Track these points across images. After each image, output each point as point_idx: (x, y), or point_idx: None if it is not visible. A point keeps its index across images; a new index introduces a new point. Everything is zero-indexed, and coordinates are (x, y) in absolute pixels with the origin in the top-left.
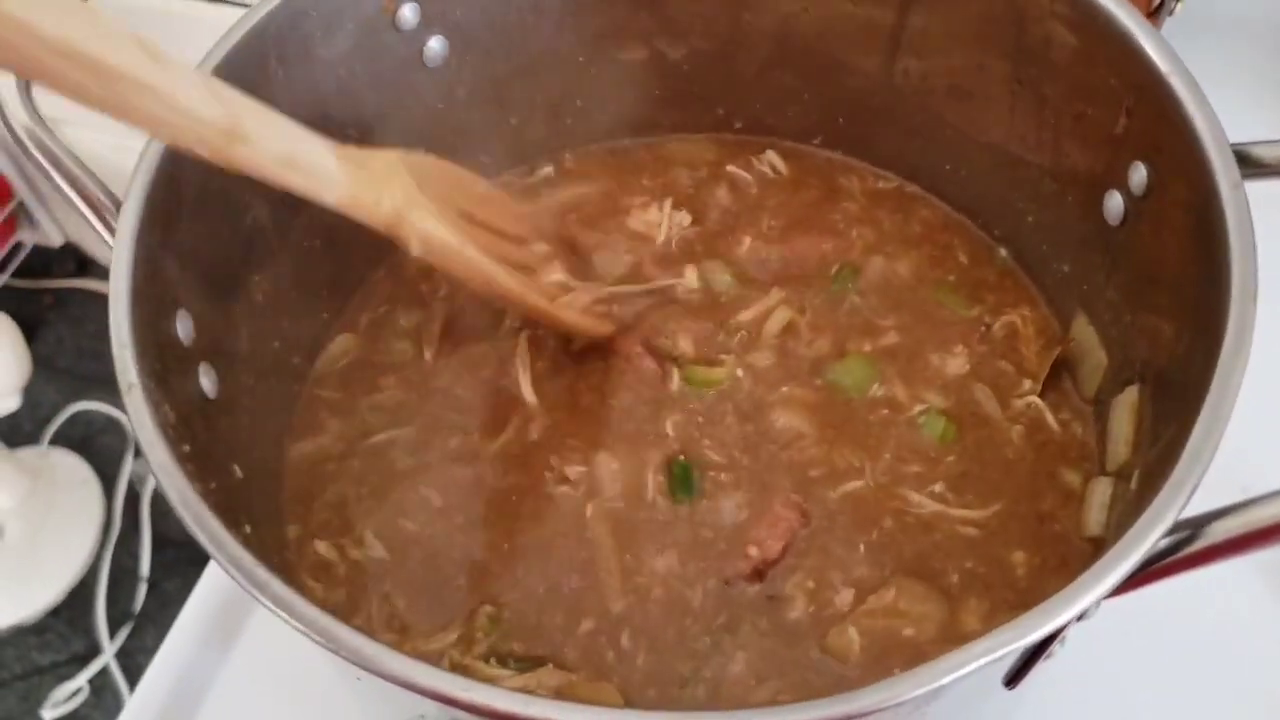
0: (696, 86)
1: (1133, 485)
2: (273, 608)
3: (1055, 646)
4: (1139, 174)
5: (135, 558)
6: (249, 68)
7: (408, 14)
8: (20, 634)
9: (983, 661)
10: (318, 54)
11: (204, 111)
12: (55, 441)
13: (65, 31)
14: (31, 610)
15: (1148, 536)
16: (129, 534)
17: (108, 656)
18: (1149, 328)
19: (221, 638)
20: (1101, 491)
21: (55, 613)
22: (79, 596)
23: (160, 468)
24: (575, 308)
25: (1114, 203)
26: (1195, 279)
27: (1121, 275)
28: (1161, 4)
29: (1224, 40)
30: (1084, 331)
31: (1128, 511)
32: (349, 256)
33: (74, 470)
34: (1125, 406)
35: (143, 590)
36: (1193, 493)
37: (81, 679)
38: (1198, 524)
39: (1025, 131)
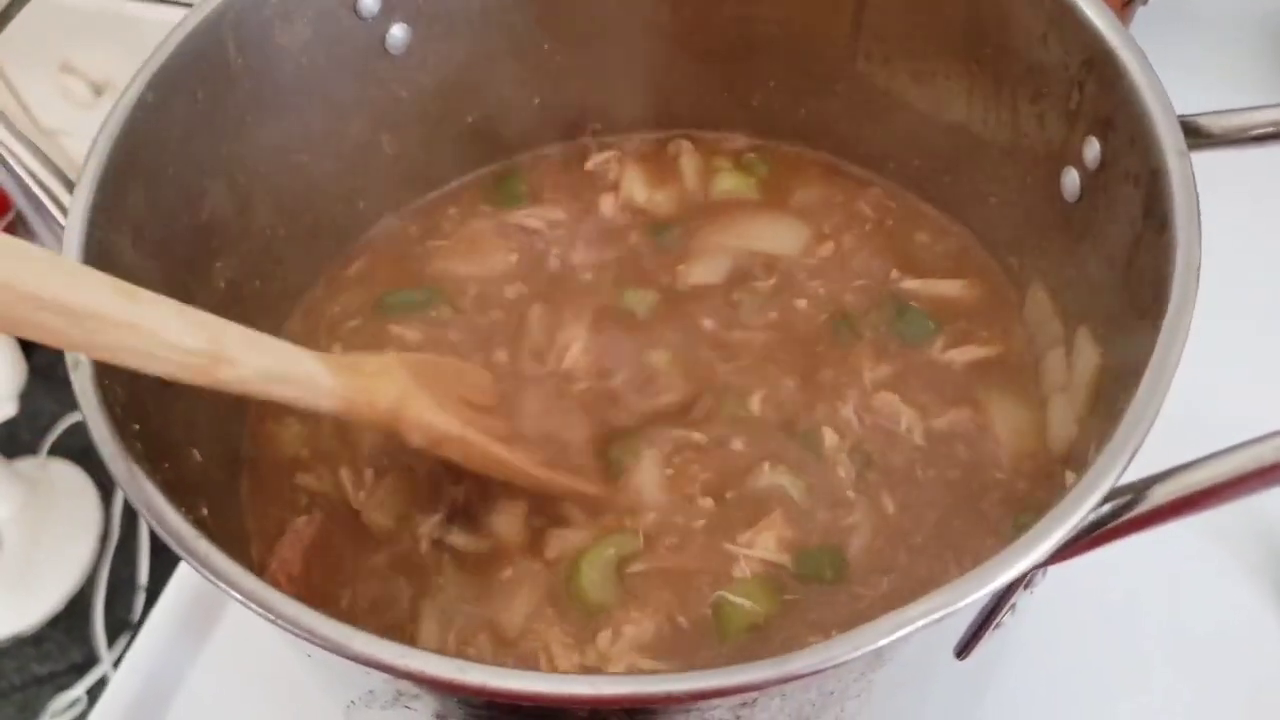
0: (661, 78)
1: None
2: (200, 568)
3: (1005, 616)
4: (1093, 149)
5: (133, 567)
6: (206, 56)
7: (369, 1)
8: (18, 644)
9: (920, 624)
10: (277, 41)
11: (186, 342)
12: (54, 452)
13: (42, 285)
14: (30, 620)
15: (1084, 503)
16: (127, 543)
17: (106, 666)
18: (1104, 303)
19: (195, 632)
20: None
21: (53, 623)
22: (77, 606)
23: (101, 442)
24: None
25: (1070, 179)
26: (1145, 250)
27: (1081, 250)
28: None
29: (1197, 29)
30: (1041, 307)
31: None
32: (313, 243)
33: (72, 480)
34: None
35: (141, 600)
36: (1131, 459)
37: (80, 688)
38: (1139, 488)
39: (985, 111)
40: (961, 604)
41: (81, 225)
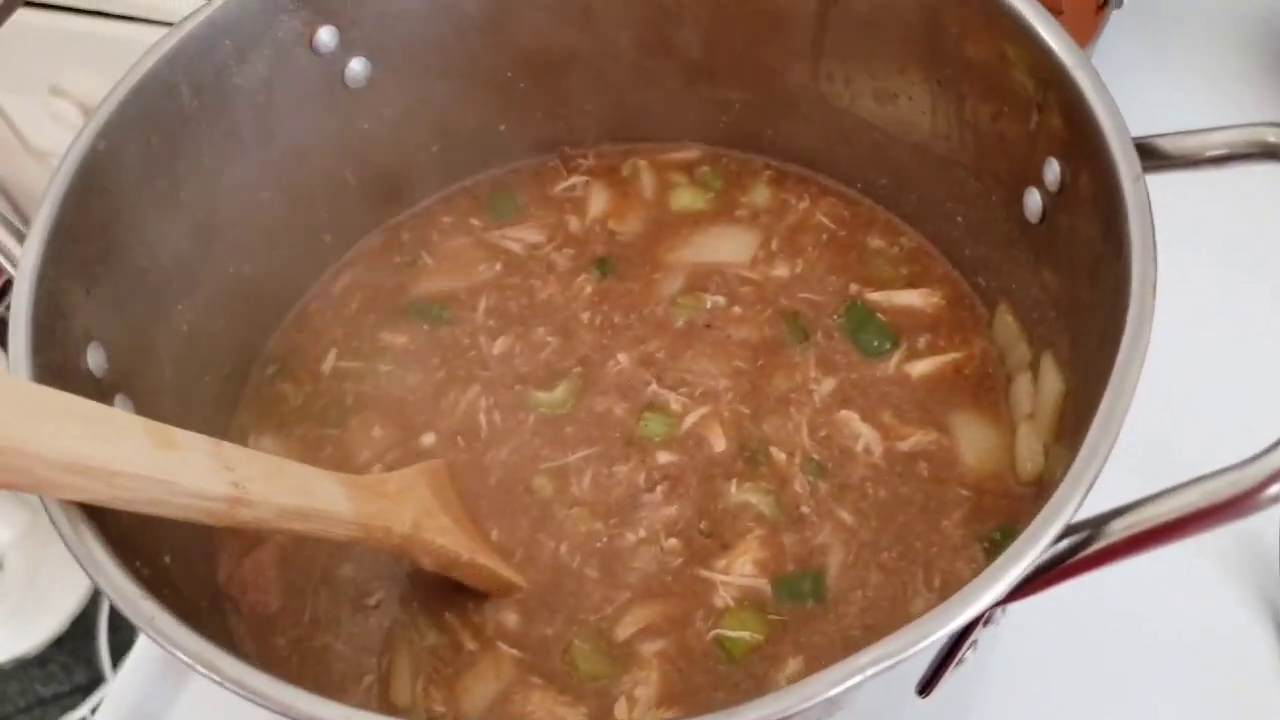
0: (618, 95)
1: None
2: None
3: (967, 653)
4: (1053, 170)
5: None
6: (159, 101)
7: (325, 37)
8: (23, 666)
9: (870, 673)
10: (234, 82)
11: (209, 488)
12: None
13: (68, 446)
14: (33, 642)
15: (1038, 541)
16: None
17: (111, 686)
18: (1067, 328)
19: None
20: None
21: (57, 644)
22: (80, 627)
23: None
24: None
25: (1033, 200)
26: (1104, 275)
27: (1045, 273)
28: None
29: (1174, 33)
30: (1007, 328)
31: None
32: (282, 277)
33: None
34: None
35: None
36: (1085, 494)
37: (85, 708)
38: (1096, 524)
39: (948, 131)
40: (911, 651)
41: (31, 278)
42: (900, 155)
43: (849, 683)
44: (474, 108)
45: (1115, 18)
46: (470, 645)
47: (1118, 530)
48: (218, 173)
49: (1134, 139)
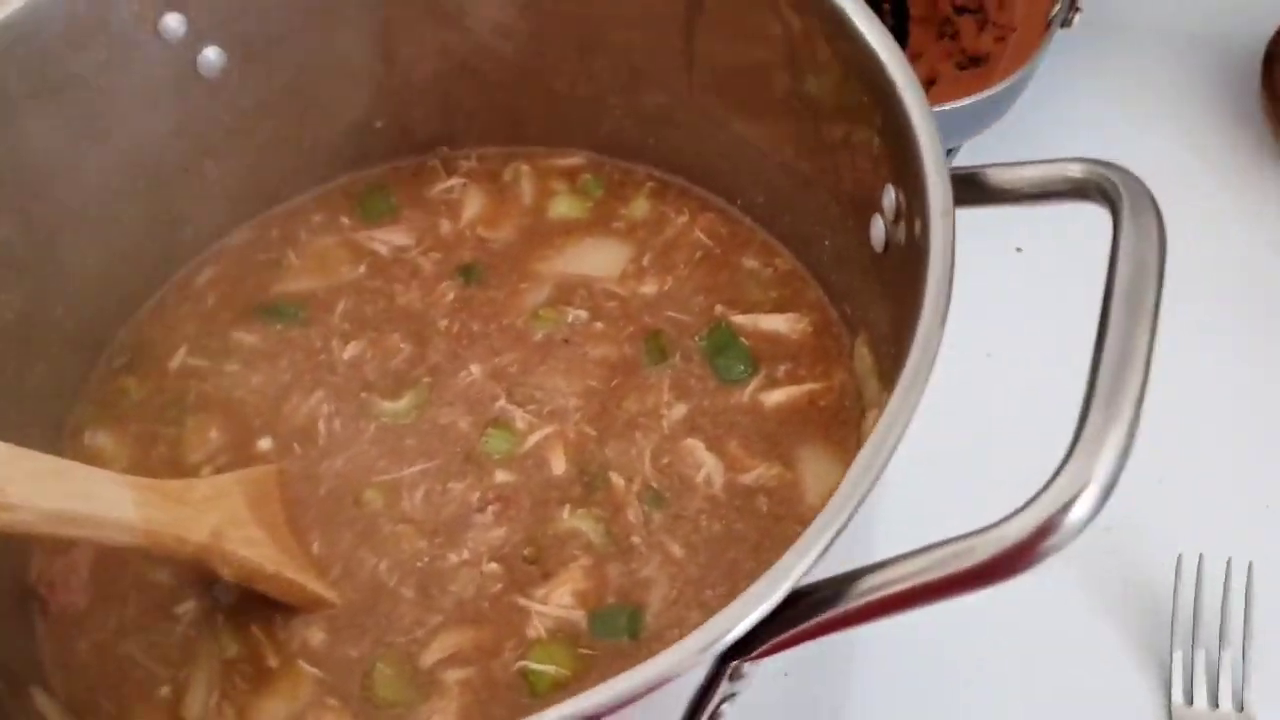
0: (500, 98)
1: None
2: None
3: (724, 705)
4: (889, 197)
5: None
6: None
7: (172, 24)
8: None
9: None
10: (68, 69)
11: None
12: None
13: None
14: None
15: (759, 602)
16: None
17: None
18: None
19: None
20: None
21: None
22: None
23: None
24: None
25: (877, 228)
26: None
27: (888, 305)
28: (1053, 17)
29: (1127, 47)
30: (863, 361)
31: None
32: (133, 267)
33: None
34: None
35: None
36: (824, 553)
37: None
38: (841, 582)
39: (811, 150)
40: (608, 709)
41: None
42: (772, 173)
43: None
44: (345, 103)
45: (1067, 35)
46: (272, 661)
47: (864, 590)
48: (57, 160)
49: (957, 169)
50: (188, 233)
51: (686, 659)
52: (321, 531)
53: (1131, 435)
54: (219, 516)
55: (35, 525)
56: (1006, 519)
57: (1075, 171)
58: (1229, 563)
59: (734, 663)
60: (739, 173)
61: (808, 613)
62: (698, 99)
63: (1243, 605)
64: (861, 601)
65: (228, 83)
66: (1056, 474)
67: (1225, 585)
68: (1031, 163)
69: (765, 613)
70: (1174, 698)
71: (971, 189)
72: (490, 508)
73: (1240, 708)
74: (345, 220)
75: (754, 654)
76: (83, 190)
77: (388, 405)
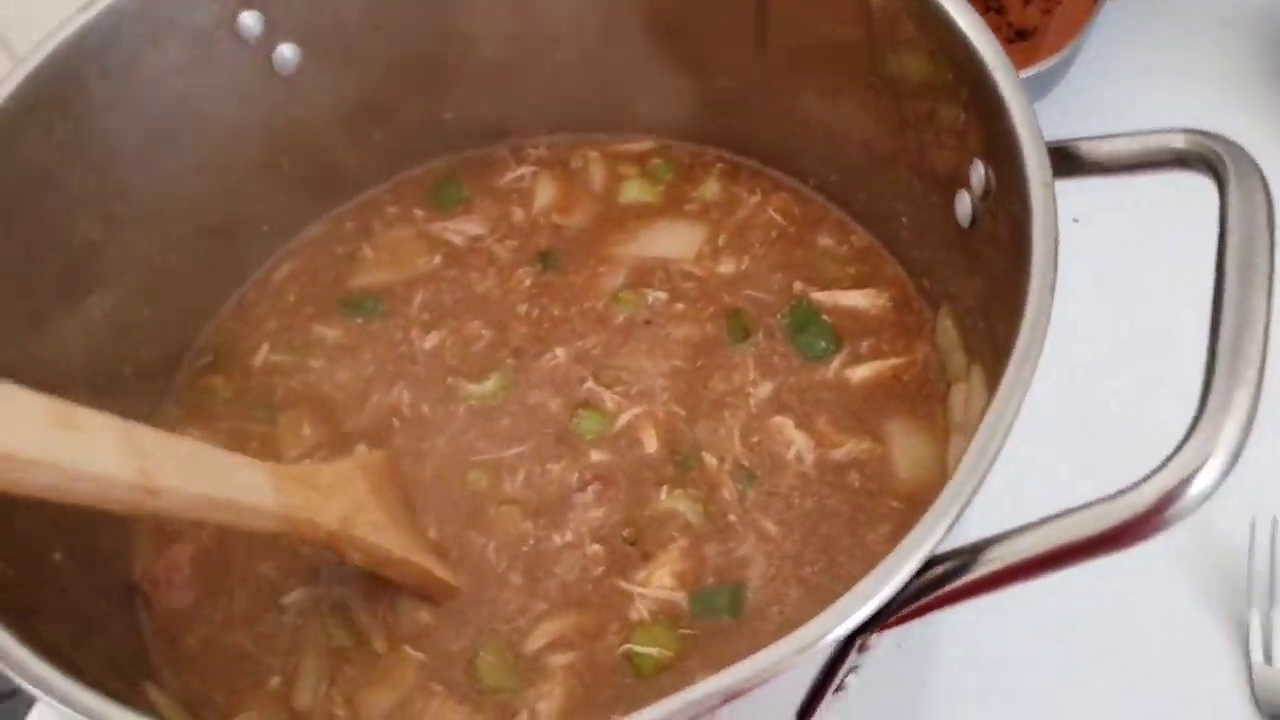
0: (568, 85)
1: None
2: None
3: (848, 678)
4: (979, 173)
5: None
6: (61, 82)
7: (249, 21)
8: None
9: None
10: (147, 66)
11: (115, 473)
12: None
13: None
14: None
15: (899, 570)
16: None
17: None
18: (993, 342)
19: None
20: None
21: None
22: None
23: None
24: None
25: (963, 203)
26: (1018, 282)
27: (976, 279)
28: None
29: (1170, 22)
30: (947, 335)
31: None
32: (214, 264)
33: None
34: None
35: None
36: (955, 522)
37: None
38: (970, 553)
39: (890, 129)
40: (749, 686)
41: None
42: (849, 151)
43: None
44: (414, 95)
45: (1113, 7)
46: (379, 647)
47: (994, 558)
48: (136, 160)
49: (1053, 143)
50: (264, 229)
51: (833, 629)
52: (435, 515)
53: (1255, 404)
54: (345, 502)
55: (183, 510)
56: (1134, 486)
57: (1179, 142)
58: None
59: (864, 636)
60: (811, 153)
61: (938, 583)
62: (770, 81)
63: None
64: (991, 569)
65: (302, 79)
66: (1183, 443)
67: None
68: (1128, 134)
69: (901, 583)
70: (1253, 657)
71: (1065, 161)
72: (590, 487)
73: None
74: (419, 212)
75: (886, 623)
76: (160, 189)
77: (474, 387)
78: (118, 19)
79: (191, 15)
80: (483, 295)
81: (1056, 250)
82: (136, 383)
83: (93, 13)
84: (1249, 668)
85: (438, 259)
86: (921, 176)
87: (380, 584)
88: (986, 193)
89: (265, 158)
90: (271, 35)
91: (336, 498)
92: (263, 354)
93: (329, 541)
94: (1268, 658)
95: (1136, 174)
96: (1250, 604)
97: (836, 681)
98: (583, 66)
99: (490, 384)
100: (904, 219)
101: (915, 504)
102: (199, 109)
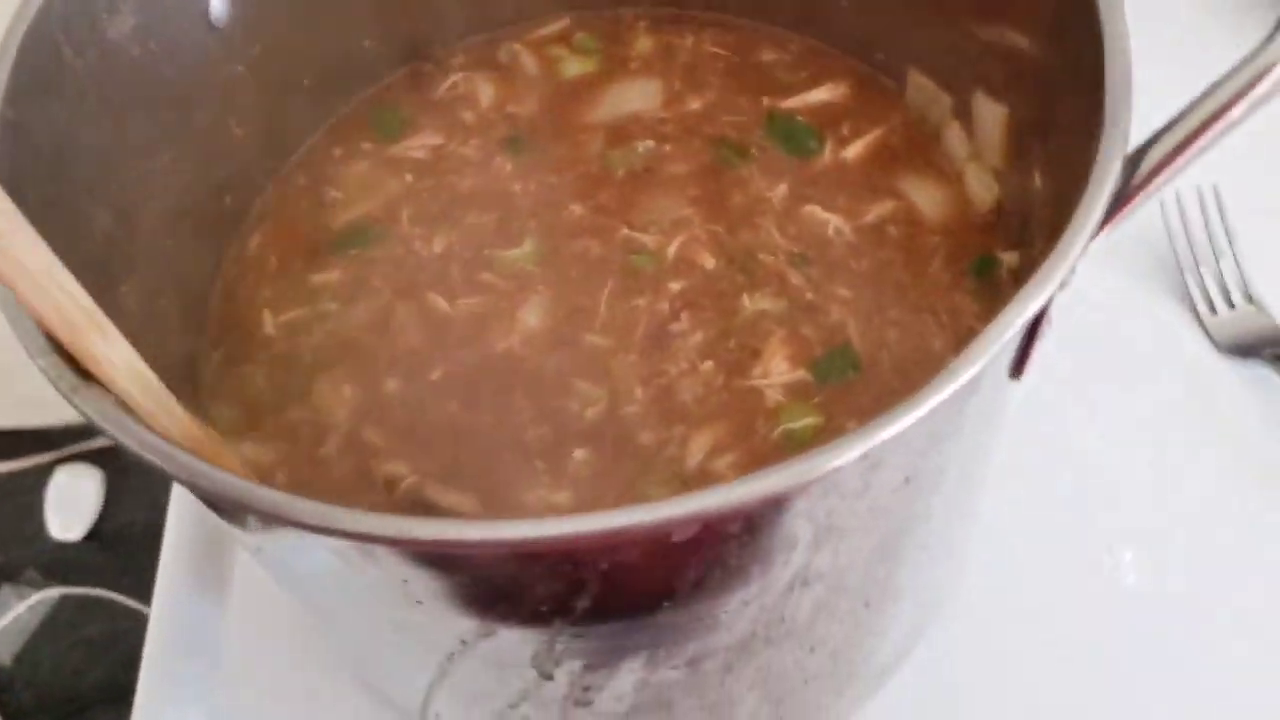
0: None
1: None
2: None
3: (1044, 326)
4: None
5: None
6: (41, 58)
7: None
8: None
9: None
10: (108, 35)
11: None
12: None
13: None
14: None
15: (1108, 174)
16: None
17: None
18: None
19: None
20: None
21: None
22: None
23: None
24: None
25: None
26: None
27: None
28: None
29: None
30: (923, 90)
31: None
32: (198, 243)
33: None
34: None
35: None
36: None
37: None
38: (1137, 155)
39: None
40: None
41: None
42: None
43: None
44: (335, 29)
45: None
46: None
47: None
48: (119, 140)
49: None
50: (227, 201)
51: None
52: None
53: None
54: None
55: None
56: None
57: None
58: (1199, 191)
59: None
60: None
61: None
62: None
63: (1220, 220)
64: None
65: (235, 29)
66: None
67: (1203, 210)
68: None
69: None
70: (1199, 311)
71: None
72: (683, 314)
73: (1249, 299)
74: (366, 145)
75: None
76: (142, 169)
77: (515, 252)
78: None
79: None
80: (470, 192)
81: None
82: (177, 381)
83: None
84: (1200, 322)
85: (409, 177)
86: None
87: None
88: None
89: (218, 123)
90: None
91: None
92: (267, 324)
93: None
94: (1211, 309)
95: None
96: (1182, 270)
97: (1040, 330)
98: None
99: (527, 247)
100: (843, 3)
101: (950, 232)
102: (154, 76)
